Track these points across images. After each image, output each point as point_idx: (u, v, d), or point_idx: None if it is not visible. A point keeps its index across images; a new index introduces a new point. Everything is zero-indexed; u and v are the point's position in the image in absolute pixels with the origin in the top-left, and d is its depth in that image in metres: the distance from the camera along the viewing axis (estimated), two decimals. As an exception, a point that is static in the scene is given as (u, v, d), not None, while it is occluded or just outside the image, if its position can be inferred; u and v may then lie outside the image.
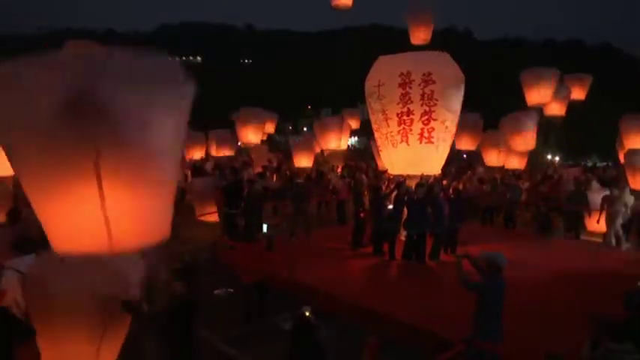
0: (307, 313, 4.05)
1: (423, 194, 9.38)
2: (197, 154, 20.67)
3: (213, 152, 20.32)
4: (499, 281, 4.81)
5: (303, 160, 17.12)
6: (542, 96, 15.70)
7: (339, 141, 17.40)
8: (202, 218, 11.72)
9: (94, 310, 4.18)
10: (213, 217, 11.64)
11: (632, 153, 13.00)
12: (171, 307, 4.46)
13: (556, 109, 17.49)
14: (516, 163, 16.46)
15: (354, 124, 24.38)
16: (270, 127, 23.50)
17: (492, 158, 16.23)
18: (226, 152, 19.88)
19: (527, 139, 15.52)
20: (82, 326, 4.22)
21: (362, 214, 10.55)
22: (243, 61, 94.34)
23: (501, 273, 4.81)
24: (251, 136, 18.78)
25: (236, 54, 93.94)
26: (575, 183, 13.05)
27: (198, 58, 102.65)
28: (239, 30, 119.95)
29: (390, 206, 9.84)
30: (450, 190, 10.46)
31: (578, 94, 18.40)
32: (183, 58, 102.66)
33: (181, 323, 4.44)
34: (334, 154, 19.96)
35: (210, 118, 21.87)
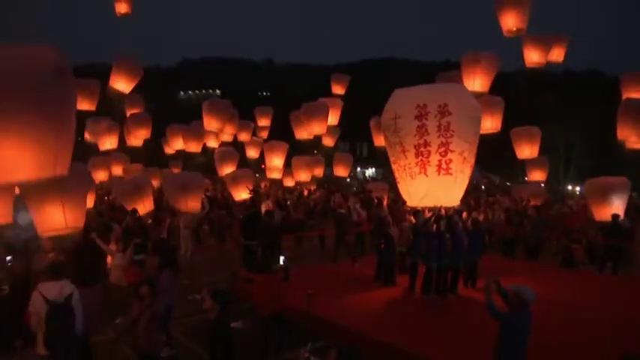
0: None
1: (442, 226, 9.28)
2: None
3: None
4: (525, 315, 4.67)
5: (303, 134, 19.25)
6: (518, 21, 15.31)
7: (325, 126, 17.69)
8: (185, 209, 12.21)
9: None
10: (194, 206, 12.34)
11: (627, 101, 12.92)
12: (211, 333, 4.44)
13: (535, 57, 16.79)
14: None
15: (340, 89, 24.82)
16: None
17: (486, 124, 15.99)
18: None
19: (483, 81, 15.29)
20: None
21: (383, 246, 10.45)
22: (262, 93, 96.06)
23: (528, 308, 4.68)
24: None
25: (255, 87, 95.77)
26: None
27: (218, 92, 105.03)
28: (258, 64, 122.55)
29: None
30: (469, 222, 10.32)
31: (556, 54, 17.79)
32: (204, 91, 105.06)
33: (219, 350, 4.44)
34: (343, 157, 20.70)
35: None
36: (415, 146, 10.05)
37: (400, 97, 10.78)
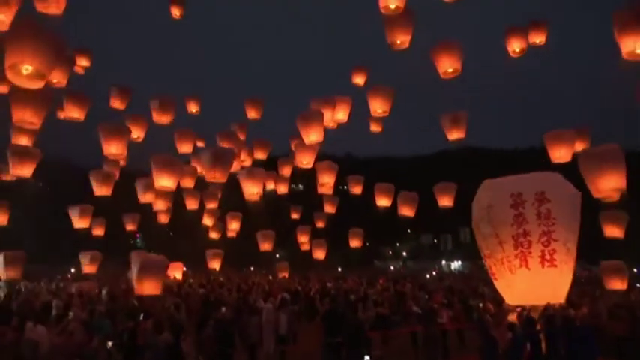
0: None
1: (551, 326, 8.19)
2: None
3: None
4: None
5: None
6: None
7: (321, 134, 16.90)
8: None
9: None
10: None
11: None
12: None
13: (517, 46, 16.12)
14: None
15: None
16: None
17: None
18: None
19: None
20: None
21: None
22: (341, 187, 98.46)
23: None
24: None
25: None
26: None
27: (300, 187, 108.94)
28: (339, 158, 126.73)
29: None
30: (578, 321, 9.08)
31: (538, 37, 16.72)
32: (293, 186, 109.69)
33: None
34: None
35: None
36: (513, 236, 9.48)
37: (491, 187, 10.57)
